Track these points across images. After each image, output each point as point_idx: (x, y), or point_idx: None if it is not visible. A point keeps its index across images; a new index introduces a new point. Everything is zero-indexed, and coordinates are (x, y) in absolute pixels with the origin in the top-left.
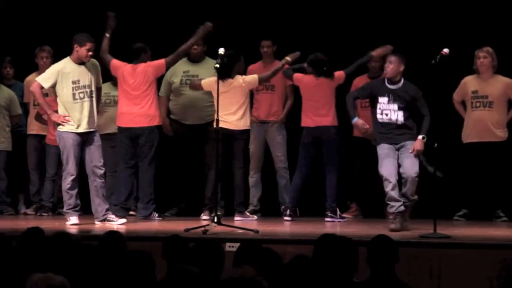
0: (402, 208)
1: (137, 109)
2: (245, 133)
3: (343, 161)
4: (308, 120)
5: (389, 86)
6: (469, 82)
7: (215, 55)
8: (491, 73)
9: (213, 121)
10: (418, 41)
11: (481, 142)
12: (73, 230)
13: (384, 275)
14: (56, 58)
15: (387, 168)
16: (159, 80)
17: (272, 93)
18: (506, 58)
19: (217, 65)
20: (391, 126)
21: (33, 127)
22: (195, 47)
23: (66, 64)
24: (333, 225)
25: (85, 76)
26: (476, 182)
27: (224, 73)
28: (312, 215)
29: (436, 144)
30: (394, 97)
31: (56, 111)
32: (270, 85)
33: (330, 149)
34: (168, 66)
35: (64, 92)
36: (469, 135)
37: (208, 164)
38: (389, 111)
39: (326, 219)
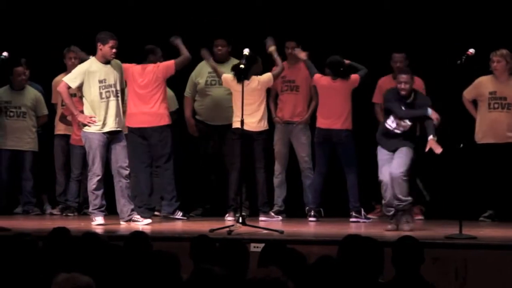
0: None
1: (146, 108)
2: (263, 133)
3: (367, 162)
4: (321, 120)
5: (404, 100)
6: (486, 83)
7: (238, 55)
8: (507, 75)
9: (234, 121)
10: (439, 42)
11: (498, 144)
12: (98, 230)
13: (409, 275)
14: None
15: (386, 175)
16: (177, 80)
17: (297, 94)
18: None
19: (242, 66)
20: (397, 134)
21: (60, 128)
22: (219, 47)
23: (92, 64)
24: (358, 225)
25: (110, 76)
26: (501, 183)
27: (244, 75)
28: (337, 215)
29: (462, 145)
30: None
31: (82, 112)
32: (294, 85)
33: (345, 152)
34: (177, 67)
35: (91, 92)
36: (485, 136)
37: (231, 164)
38: (399, 121)
39: (351, 219)
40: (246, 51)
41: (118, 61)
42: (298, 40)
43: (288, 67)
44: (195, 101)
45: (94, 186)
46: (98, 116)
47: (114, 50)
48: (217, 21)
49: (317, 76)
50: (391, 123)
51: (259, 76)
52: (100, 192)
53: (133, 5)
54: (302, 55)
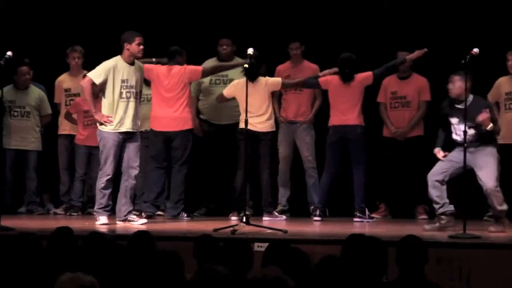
0: (442, 210)
1: (171, 112)
2: (269, 134)
3: (372, 161)
4: (335, 118)
5: (457, 106)
6: (503, 83)
7: (242, 55)
8: None
9: (240, 121)
10: (446, 41)
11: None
12: (102, 229)
13: (413, 275)
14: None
15: (433, 169)
16: None
17: (301, 94)
18: None
19: (246, 65)
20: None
21: (65, 127)
22: (224, 47)
23: (117, 62)
24: (362, 225)
25: (132, 77)
26: (505, 183)
27: (251, 74)
28: (341, 215)
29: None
30: (464, 117)
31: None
32: None
33: (357, 149)
34: (204, 75)
35: (113, 90)
36: (502, 136)
37: (236, 164)
38: (460, 132)
39: (355, 219)
40: (250, 51)
41: (140, 64)
42: (302, 40)
43: (292, 67)
44: (199, 101)
45: (103, 185)
46: (116, 115)
47: (141, 47)
48: (217, 21)
49: (323, 79)
50: (454, 135)
51: (267, 78)
52: (108, 192)
53: (133, 5)
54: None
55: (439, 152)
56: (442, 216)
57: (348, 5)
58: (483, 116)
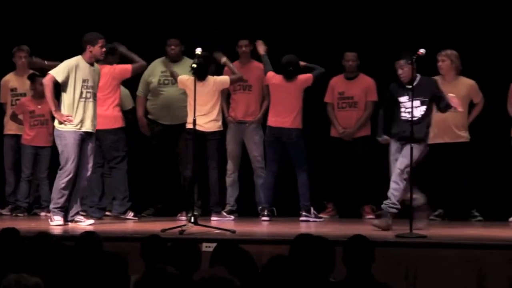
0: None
1: (101, 111)
2: (217, 133)
3: (320, 162)
4: (272, 119)
5: (407, 86)
6: None
7: (192, 55)
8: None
9: (188, 121)
10: (397, 41)
11: (445, 143)
12: (57, 230)
13: (360, 275)
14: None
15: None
16: (136, 80)
17: (249, 93)
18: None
19: (194, 65)
20: (407, 125)
21: (10, 127)
22: (172, 47)
23: (79, 62)
24: (309, 225)
25: (92, 78)
26: (451, 182)
27: (200, 73)
28: (289, 215)
29: (411, 145)
30: (414, 93)
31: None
32: (247, 85)
33: (295, 151)
34: (133, 72)
35: (74, 89)
36: (436, 135)
37: (184, 164)
38: (410, 108)
39: (301, 218)
40: (198, 50)
41: (98, 67)
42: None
43: (241, 67)
44: (148, 100)
45: (64, 185)
46: (77, 114)
47: (104, 49)
48: (217, 21)
49: (270, 74)
50: (403, 113)
51: (215, 77)
52: (67, 192)
53: (133, 5)
54: (261, 49)
55: (384, 140)
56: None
57: (348, 5)
58: (455, 103)
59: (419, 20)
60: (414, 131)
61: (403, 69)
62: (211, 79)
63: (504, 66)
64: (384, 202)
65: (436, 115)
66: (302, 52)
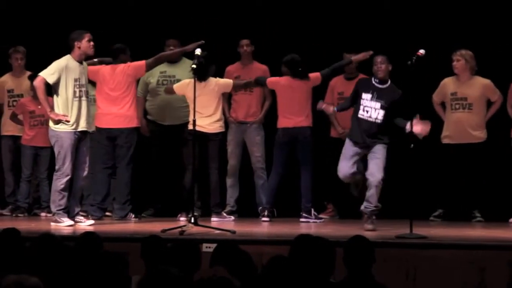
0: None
1: (116, 109)
2: (219, 134)
3: (320, 162)
4: (285, 120)
5: (376, 84)
6: (448, 84)
7: (191, 56)
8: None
9: (189, 122)
10: (395, 42)
11: (459, 144)
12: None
13: (360, 275)
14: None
15: (340, 171)
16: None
17: (251, 94)
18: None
19: (194, 66)
20: (368, 125)
21: (8, 128)
22: (171, 47)
23: (68, 61)
24: (309, 225)
25: (83, 76)
26: (452, 182)
27: (200, 74)
28: (289, 215)
29: (412, 145)
30: (379, 95)
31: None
32: None
33: (305, 150)
34: (148, 68)
35: (67, 89)
36: (449, 136)
37: (184, 165)
38: (370, 108)
39: (301, 219)
40: (198, 51)
41: (85, 63)
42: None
43: (242, 67)
44: (146, 101)
45: (63, 186)
46: (72, 114)
47: (92, 43)
48: (217, 21)
49: (272, 79)
50: (361, 111)
51: (217, 78)
52: (67, 193)
53: (133, 5)
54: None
55: (327, 106)
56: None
57: (348, 6)
58: (423, 130)
59: (419, 21)
60: (375, 134)
61: (382, 66)
62: (213, 80)
63: (504, 66)
64: (366, 205)
65: (450, 115)
66: (302, 52)
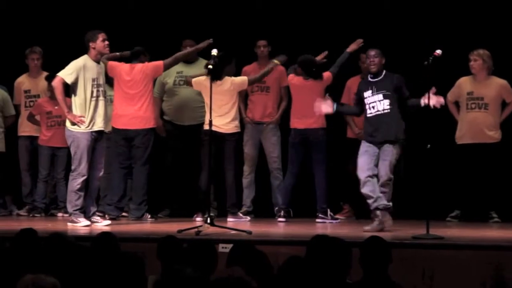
0: (376, 204)
1: (132, 110)
2: (235, 135)
3: (336, 163)
4: (297, 121)
5: (371, 79)
6: (464, 83)
7: (208, 56)
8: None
9: (205, 122)
10: (411, 42)
11: (475, 144)
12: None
13: (377, 276)
14: (46, 60)
15: (358, 167)
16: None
17: (267, 94)
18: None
19: (210, 66)
20: (378, 118)
21: (25, 129)
22: (187, 48)
23: (86, 61)
24: (325, 226)
25: (100, 76)
26: (469, 183)
27: (216, 74)
28: (306, 216)
29: (429, 146)
30: (377, 87)
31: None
32: (265, 86)
33: (318, 151)
34: (166, 68)
35: (85, 89)
36: (464, 136)
37: (201, 165)
38: (374, 103)
39: (317, 220)
40: (214, 51)
41: (103, 63)
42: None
43: (259, 68)
44: (163, 101)
45: (79, 186)
46: (88, 114)
47: (107, 42)
48: (217, 21)
49: (290, 76)
50: (368, 109)
51: (232, 78)
52: (83, 193)
53: (133, 7)
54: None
55: (326, 107)
56: (377, 212)
57: (348, 6)
58: (437, 103)
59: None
60: (386, 128)
61: (375, 59)
62: (228, 79)
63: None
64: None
65: (465, 115)
66: (301, 53)
